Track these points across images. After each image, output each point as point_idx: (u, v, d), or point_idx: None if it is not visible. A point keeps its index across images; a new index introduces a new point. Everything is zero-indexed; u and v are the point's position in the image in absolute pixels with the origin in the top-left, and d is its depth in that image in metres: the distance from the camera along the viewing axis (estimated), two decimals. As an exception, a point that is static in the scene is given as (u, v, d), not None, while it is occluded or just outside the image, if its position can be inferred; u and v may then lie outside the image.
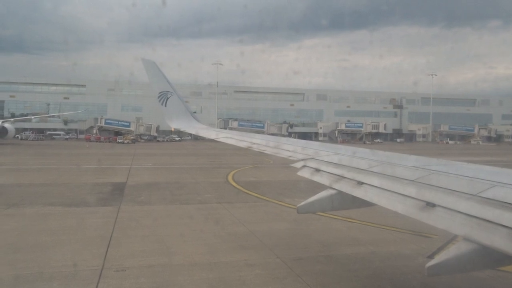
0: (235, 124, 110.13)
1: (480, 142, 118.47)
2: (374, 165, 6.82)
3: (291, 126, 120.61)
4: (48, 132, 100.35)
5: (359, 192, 6.15)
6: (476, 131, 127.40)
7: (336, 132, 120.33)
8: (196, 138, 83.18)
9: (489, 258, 4.22)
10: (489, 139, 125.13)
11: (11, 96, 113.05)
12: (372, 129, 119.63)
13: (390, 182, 5.88)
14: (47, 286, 8.99)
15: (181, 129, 15.65)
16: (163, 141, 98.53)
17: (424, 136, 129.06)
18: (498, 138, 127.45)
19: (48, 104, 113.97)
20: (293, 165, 8.47)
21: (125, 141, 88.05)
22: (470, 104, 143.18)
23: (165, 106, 14.45)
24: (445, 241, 6.11)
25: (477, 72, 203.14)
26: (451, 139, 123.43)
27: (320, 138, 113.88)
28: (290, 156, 9.01)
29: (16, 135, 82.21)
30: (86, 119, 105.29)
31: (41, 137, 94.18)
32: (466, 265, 4.43)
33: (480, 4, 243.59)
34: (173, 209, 18.19)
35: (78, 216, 16.17)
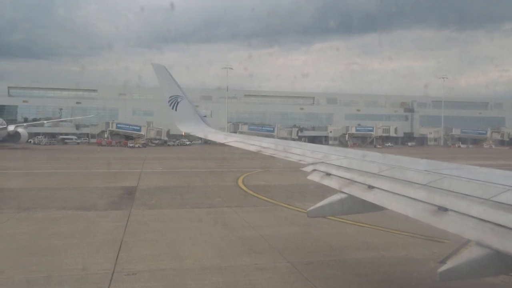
0: (245, 128, 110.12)
1: (493, 146, 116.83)
2: (384, 169, 6.77)
3: (301, 130, 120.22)
4: (60, 137, 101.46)
5: (369, 196, 6.11)
6: (488, 134, 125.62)
7: (347, 136, 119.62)
8: (206, 142, 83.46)
9: (502, 263, 4.15)
10: (502, 142, 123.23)
11: (24, 101, 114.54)
12: (383, 132, 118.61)
13: (401, 186, 5.83)
14: (59, 289, 9.07)
15: (191, 133, 15.70)
16: (173, 145, 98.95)
17: (435, 139, 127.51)
18: (511, 142, 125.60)
19: (61, 109, 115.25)
20: (303, 169, 8.44)
21: (136, 145, 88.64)
22: (482, 107, 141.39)
23: (176, 110, 14.51)
24: (457, 246, 6.02)
25: (489, 75, 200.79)
26: (463, 143, 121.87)
27: (330, 142, 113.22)
28: (299, 160, 8.99)
29: (29, 140, 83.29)
30: (97, 124, 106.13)
31: (53, 141, 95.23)
32: (478, 271, 4.37)
33: (493, 7, 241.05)
34: (184, 213, 18.24)
35: (89, 220, 16.29)
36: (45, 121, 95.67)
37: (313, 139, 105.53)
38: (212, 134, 14.41)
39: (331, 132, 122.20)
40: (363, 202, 6.25)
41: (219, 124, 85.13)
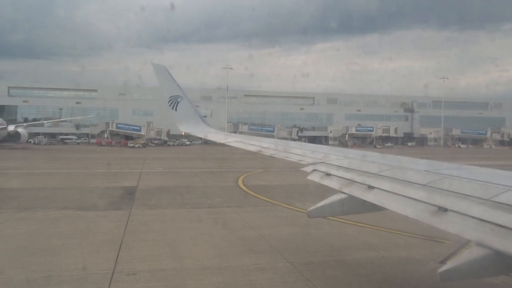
0: (245, 128, 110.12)
1: (493, 146, 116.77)
2: (384, 169, 6.76)
3: (301, 130, 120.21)
4: (60, 137, 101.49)
5: (369, 196, 6.11)
6: (488, 135, 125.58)
7: (347, 136, 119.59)
8: (206, 142, 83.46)
9: (503, 263, 4.15)
10: (502, 143, 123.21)
11: (24, 101, 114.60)
12: (383, 133, 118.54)
13: (401, 186, 5.83)
14: (59, 289, 9.06)
15: (191, 133, 15.70)
16: (173, 145, 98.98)
17: (435, 140, 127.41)
18: (511, 142, 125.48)
19: (61, 109, 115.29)
20: (303, 169, 8.43)
21: (136, 146, 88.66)
22: (482, 108, 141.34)
23: (176, 110, 14.51)
24: (458, 246, 6.02)
25: (489, 75, 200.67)
26: (463, 143, 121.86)
27: (330, 142, 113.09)
28: (300, 160, 8.99)
29: (29, 140, 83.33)
30: (97, 124, 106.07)
31: (53, 141, 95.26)
32: (479, 271, 4.37)
33: (493, 7, 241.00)
34: (184, 213, 18.24)
35: (89, 220, 16.29)
36: (45, 121, 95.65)
37: (313, 139, 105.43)
38: (212, 134, 14.42)
39: (331, 132, 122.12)
40: (363, 202, 6.25)
41: (219, 124, 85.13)
